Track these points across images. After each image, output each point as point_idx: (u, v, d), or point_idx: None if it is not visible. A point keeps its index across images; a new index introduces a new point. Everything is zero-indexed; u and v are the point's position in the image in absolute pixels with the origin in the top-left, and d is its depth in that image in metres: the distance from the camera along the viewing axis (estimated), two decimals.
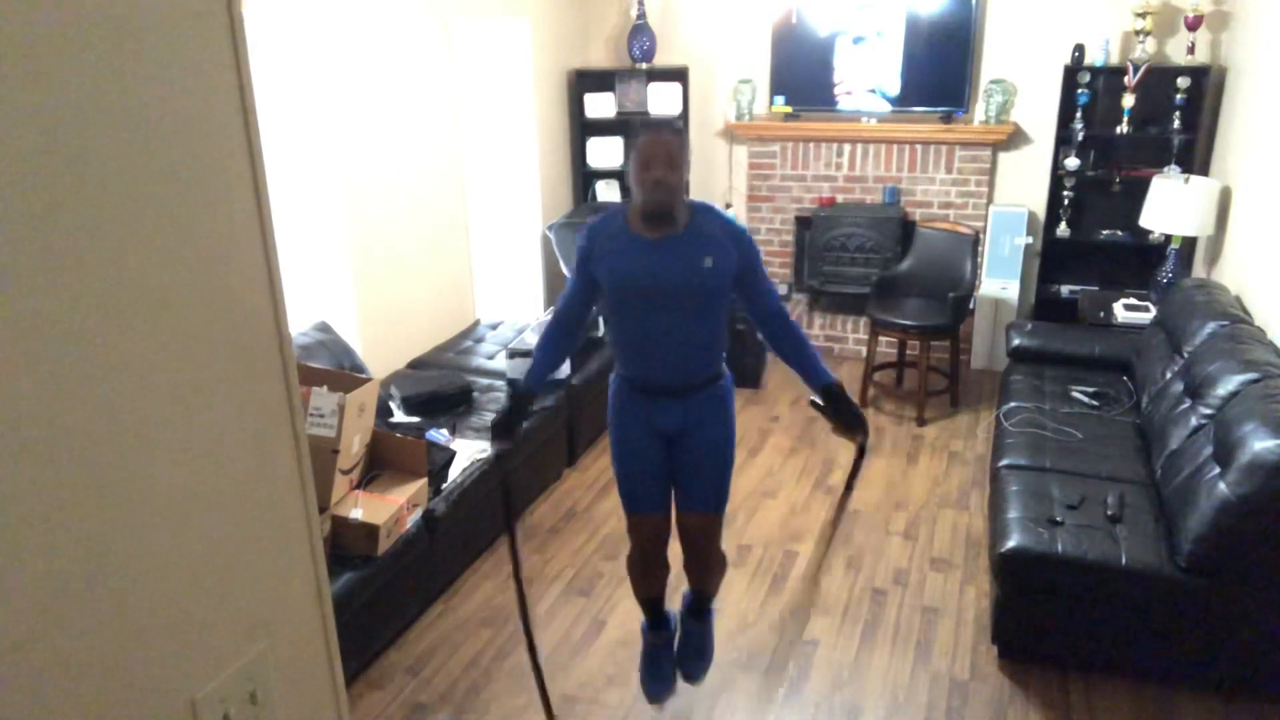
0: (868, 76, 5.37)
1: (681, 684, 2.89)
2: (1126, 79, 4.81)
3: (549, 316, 2.73)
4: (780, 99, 5.54)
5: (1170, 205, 4.40)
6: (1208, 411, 3.13)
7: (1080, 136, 5.01)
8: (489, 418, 3.96)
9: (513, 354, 4.28)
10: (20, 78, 0.73)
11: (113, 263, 0.82)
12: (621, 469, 2.67)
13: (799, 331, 2.58)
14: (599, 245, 2.49)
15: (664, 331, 2.46)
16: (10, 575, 0.76)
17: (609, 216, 2.53)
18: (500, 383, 4.27)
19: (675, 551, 2.75)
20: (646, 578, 2.82)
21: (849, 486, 2.84)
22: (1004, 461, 3.49)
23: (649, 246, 2.43)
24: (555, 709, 2.88)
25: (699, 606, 2.89)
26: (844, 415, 2.54)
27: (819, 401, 2.57)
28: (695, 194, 5.60)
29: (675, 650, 2.91)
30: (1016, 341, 4.50)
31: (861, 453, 2.65)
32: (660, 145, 2.37)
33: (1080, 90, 4.99)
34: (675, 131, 2.42)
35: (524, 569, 3.62)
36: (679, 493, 2.67)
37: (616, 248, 2.46)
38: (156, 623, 0.90)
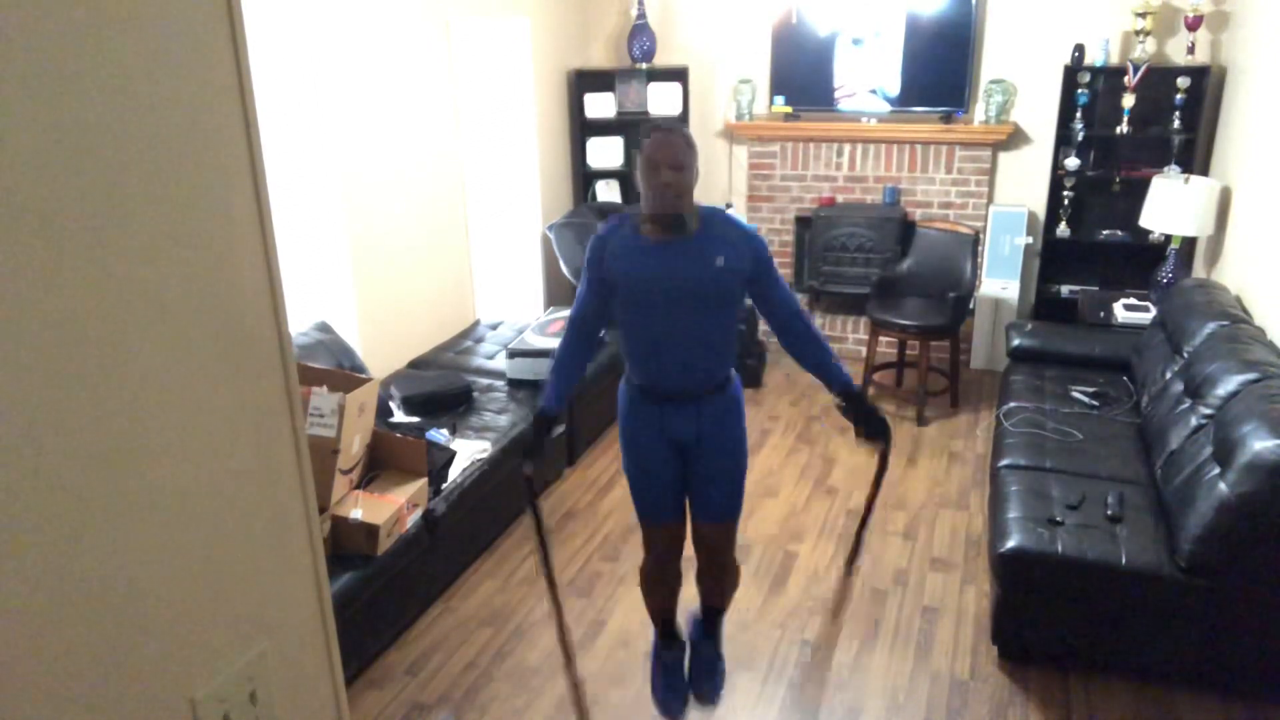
0: (868, 77, 5.37)
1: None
2: (1126, 79, 4.81)
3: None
4: (780, 99, 5.54)
5: (1170, 205, 4.40)
6: (1208, 411, 3.13)
7: (1080, 136, 5.02)
8: (488, 418, 3.96)
9: (513, 354, 4.28)
10: (19, 77, 0.73)
11: (112, 263, 0.82)
12: (636, 479, 2.61)
13: (819, 335, 2.53)
14: (610, 251, 2.43)
15: (677, 335, 2.41)
16: (10, 575, 0.76)
17: (618, 223, 2.47)
18: (500, 383, 4.27)
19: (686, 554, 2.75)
20: (661, 588, 2.81)
21: (873, 497, 2.78)
22: (1004, 461, 3.49)
23: (660, 250, 2.38)
24: (555, 708, 2.88)
25: (709, 622, 2.88)
26: (865, 419, 2.49)
27: (843, 405, 2.52)
28: (695, 195, 5.59)
29: (687, 670, 2.90)
30: (1016, 341, 4.50)
31: (884, 461, 2.60)
32: (668, 147, 2.30)
33: (1080, 90, 4.99)
34: (682, 133, 2.35)
35: (529, 570, 3.62)
36: (694, 501, 2.63)
37: (627, 253, 2.40)
38: (156, 622, 0.90)
